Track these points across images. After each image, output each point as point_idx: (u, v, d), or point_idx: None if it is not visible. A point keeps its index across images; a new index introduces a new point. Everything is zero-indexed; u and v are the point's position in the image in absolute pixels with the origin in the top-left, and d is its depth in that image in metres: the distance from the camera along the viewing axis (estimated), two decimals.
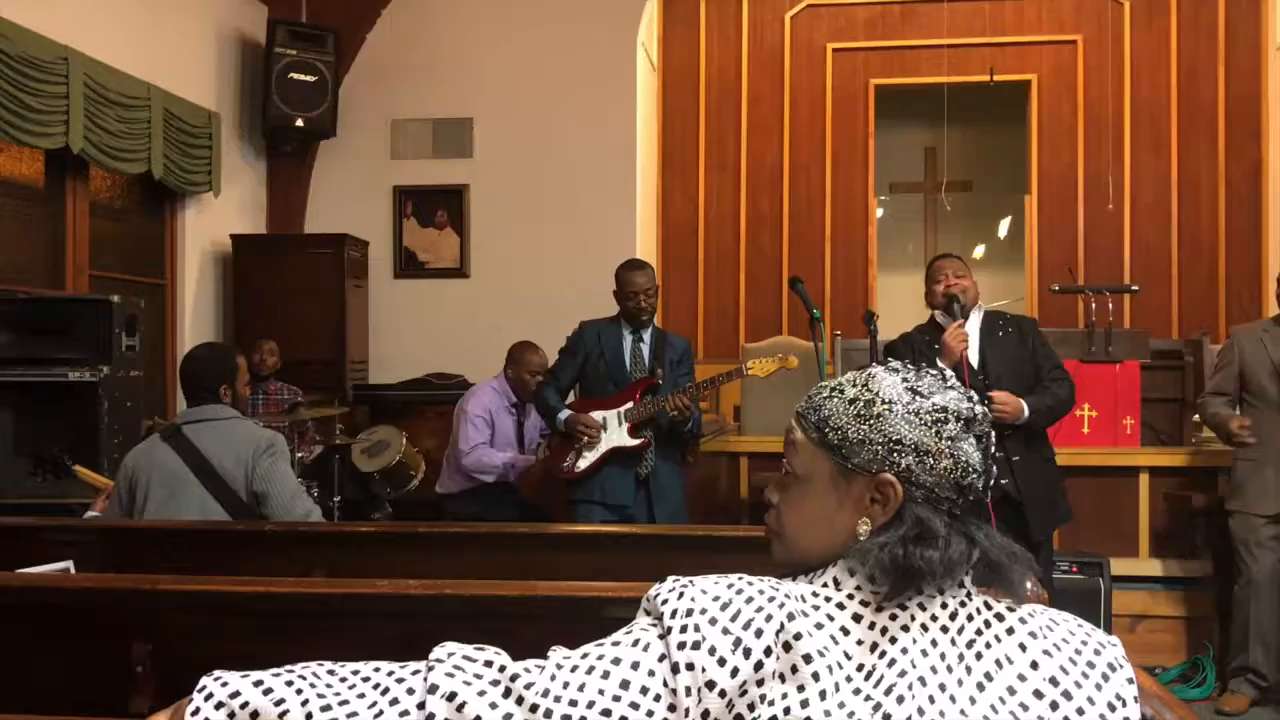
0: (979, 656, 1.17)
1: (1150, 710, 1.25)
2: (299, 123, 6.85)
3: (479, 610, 2.04)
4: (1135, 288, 6.80)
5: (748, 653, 1.11)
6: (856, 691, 1.12)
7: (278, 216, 7.27)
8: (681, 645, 1.12)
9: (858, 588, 1.19)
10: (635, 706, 1.11)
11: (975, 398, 1.26)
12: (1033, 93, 8.18)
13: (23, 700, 1.58)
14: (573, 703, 1.11)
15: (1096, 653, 1.19)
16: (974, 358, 3.79)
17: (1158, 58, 8.02)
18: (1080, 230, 8.09)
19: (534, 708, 1.11)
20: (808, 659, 1.11)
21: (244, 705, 1.13)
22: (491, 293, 7.23)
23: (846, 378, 1.29)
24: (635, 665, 1.13)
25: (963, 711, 1.13)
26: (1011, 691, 1.15)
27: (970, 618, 1.19)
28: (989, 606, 1.21)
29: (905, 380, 1.26)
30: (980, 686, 1.15)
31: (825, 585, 1.20)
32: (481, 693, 1.12)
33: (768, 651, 1.11)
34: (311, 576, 2.67)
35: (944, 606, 1.19)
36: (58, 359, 4.34)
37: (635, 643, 1.15)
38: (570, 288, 6.64)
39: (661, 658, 1.13)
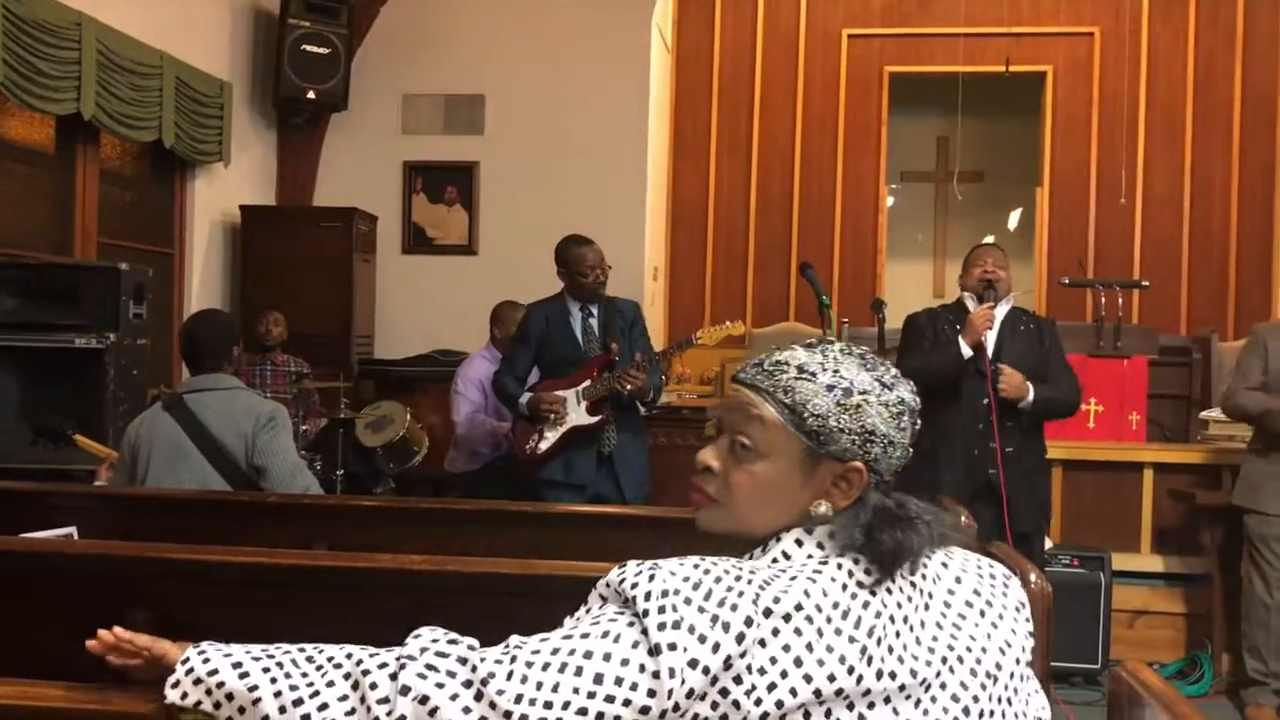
0: (924, 577, 1.25)
1: (1156, 706, 1.26)
2: (310, 95, 6.82)
3: (482, 587, 2.04)
4: (1145, 283, 6.78)
5: (727, 627, 1.13)
6: (839, 632, 1.15)
7: (287, 188, 7.25)
8: (661, 626, 1.13)
9: (825, 558, 1.22)
10: (611, 700, 1.12)
11: (915, 389, 1.31)
12: (1048, 84, 8.13)
13: (21, 665, 1.58)
14: (548, 705, 1.12)
15: (993, 570, 1.33)
16: (991, 343, 3.86)
17: (1175, 52, 7.96)
18: (1091, 224, 8.06)
19: (508, 715, 1.12)
20: (787, 617, 1.14)
21: (220, 685, 1.22)
22: (499, 270, 7.18)
23: (804, 356, 1.28)
24: (607, 657, 1.13)
25: (919, 639, 1.21)
26: (948, 605, 1.25)
27: None
28: None
29: (867, 367, 1.28)
30: (926, 606, 1.23)
31: (776, 560, 1.23)
32: (454, 696, 1.14)
33: (748, 622, 1.13)
34: (314, 549, 2.67)
35: None
36: (64, 326, 4.32)
37: (605, 634, 1.15)
38: None
39: (635, 644, 1.14)
